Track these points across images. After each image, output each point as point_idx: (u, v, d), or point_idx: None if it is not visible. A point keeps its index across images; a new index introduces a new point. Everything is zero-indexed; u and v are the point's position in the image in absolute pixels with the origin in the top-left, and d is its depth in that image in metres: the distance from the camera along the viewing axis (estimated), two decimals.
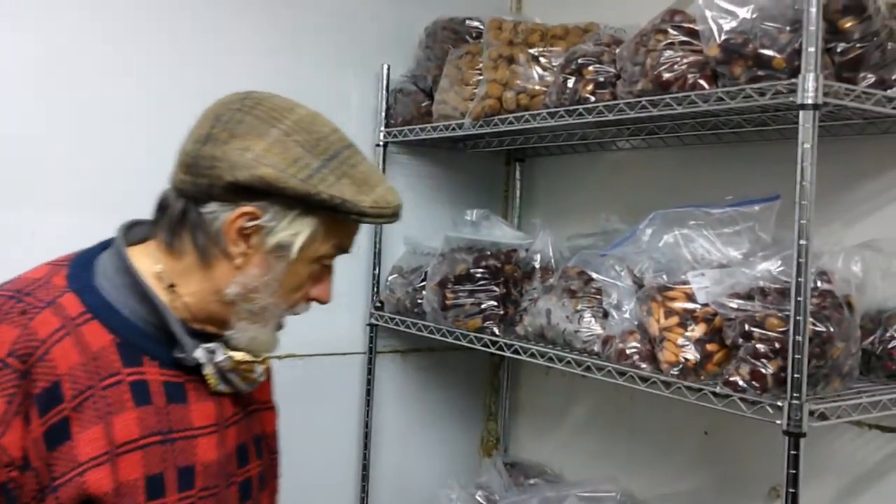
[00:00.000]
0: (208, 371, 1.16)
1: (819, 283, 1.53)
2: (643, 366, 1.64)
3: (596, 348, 1.76)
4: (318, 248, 1.15)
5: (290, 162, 1.08)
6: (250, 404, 1.30)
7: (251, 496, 1.28)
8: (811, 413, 1.38)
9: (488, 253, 2.16)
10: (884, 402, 1.48)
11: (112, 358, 1.08)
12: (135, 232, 1.21)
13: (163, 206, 1.17)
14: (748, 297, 1.54)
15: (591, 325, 1.80)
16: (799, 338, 1.36)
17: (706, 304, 1.59)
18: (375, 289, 2.46)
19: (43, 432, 1.01)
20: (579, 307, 1.83)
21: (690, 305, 1.60)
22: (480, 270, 2.12)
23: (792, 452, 1.38)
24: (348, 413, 2.48)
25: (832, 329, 1.45)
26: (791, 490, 1.37)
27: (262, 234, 1.11)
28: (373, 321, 2.45)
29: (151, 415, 1.10)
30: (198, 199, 1.11)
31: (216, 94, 1.21)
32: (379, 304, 2.44)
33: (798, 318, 1.37)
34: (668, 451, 2.21)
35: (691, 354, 1.56)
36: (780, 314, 1.47)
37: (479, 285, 2.11)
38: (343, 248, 1.20)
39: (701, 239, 1.72)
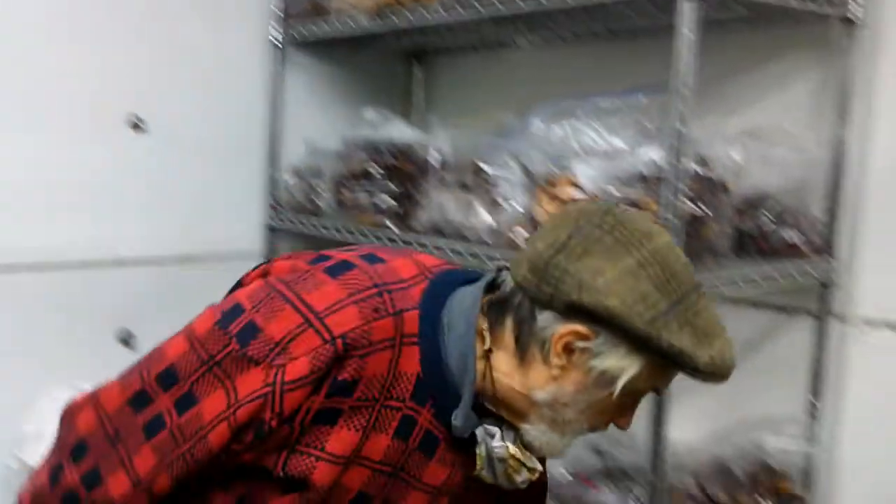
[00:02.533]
0: (481, 451, 1.14)
1: (699, 169, 1.56)
2: None
3: (486, 238, 1.78)
4: (637, 385, 1.08)
5: (639, 298, 1.01)
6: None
7: None
8: None
9: (385, 151, 2.14)
10: (756, 279, 1.54)
11: (406, 387, 1.10)
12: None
13: (497, 285, 1.13)
14: (630, 183, 1.57)
15: (482, 217, 1.81)
16: (671, 216, 1.40)
17: (592, 192, 1.61)
18: (272, 190, 2.43)
19: (317, 408, 1.05)
20: (472, 200, 1.84)
21: (576, 193, 1.63)
22: (377, 167, 2.11)
23: None
24: None
25: (707, 211, 1.50)
26: None
27: (587, 356, 1.05)
28: (271, 223, 2.43)
29: (398, 450, 1.12)
30: (536, 302, 1.07)
31: None
32: (276, 206, 2.41)
33: (671, 199, 1.41)
34: None
35: None
36: (658, 198, 1.51)
37: (377, 183, 2.10)
38: (658, 390, 1.15)
39: (589, 129, 1.74)
